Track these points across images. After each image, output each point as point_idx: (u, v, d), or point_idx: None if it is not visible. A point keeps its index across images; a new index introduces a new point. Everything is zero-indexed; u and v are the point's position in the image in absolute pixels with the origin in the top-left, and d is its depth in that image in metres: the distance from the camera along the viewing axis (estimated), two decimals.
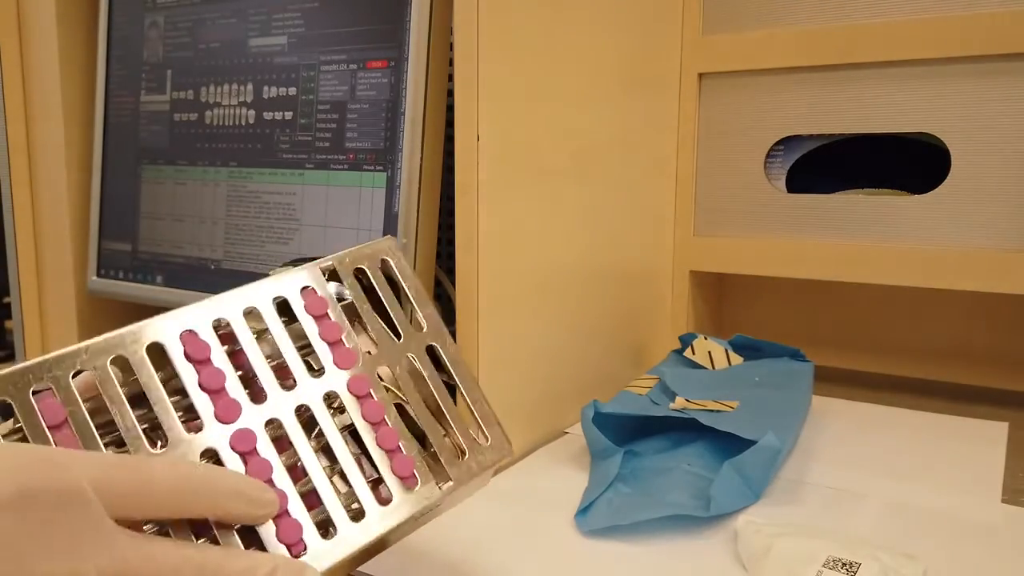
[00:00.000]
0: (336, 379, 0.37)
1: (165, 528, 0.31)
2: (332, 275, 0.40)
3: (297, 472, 0.35)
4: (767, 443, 0.55)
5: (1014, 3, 0.70)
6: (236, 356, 0.36)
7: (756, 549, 0.46)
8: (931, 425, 0.72)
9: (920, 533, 0.51)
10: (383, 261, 0.42)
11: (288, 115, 0.72)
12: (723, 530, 0.51)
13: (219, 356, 0.35)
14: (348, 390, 0.37)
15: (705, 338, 0.77)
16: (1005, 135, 0.72)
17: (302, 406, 0.36)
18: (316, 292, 0.39)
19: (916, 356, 0.87)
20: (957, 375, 0.85)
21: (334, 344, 0.38)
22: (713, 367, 0.74)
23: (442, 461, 0.38)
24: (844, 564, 0.44)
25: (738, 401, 0.64)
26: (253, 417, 0.35)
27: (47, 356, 0.32)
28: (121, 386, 0.33)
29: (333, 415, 0.37)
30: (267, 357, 0.37)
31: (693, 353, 0.75)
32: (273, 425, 0.35)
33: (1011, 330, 0.83)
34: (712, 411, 0.62)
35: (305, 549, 0.33)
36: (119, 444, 0.32)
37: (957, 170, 0.74)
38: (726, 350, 0.76)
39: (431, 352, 0.41)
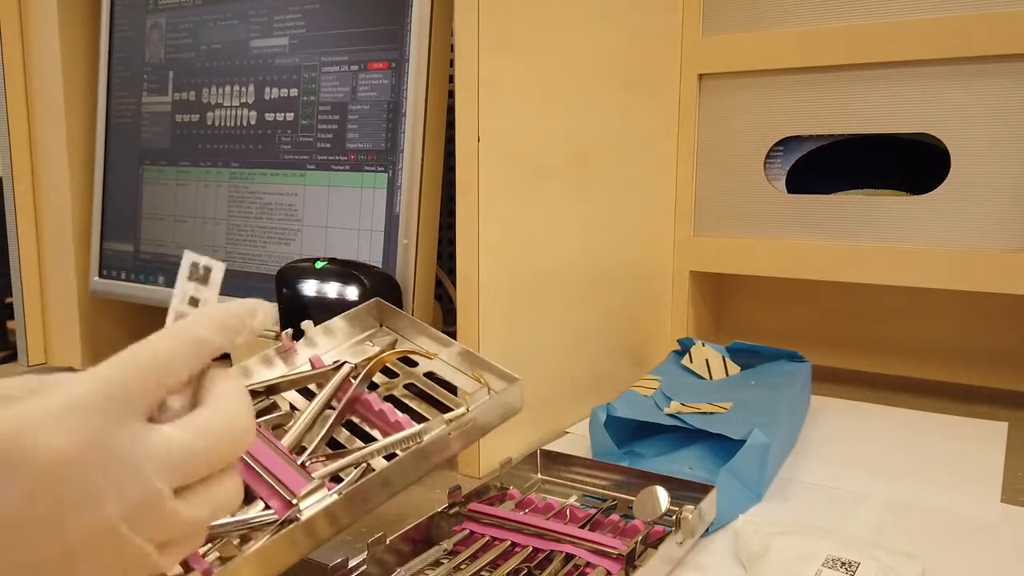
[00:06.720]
0: None
1: None
2: None
3: None
4: (755, 441, 0.55)
5: (1014, 3, 0.70)
6: None
7: (755, 548, 0.47)
8: (931, 425, 0.72)
9: (919, 532, 0.51)
10: None
11: (289, 116, 0.72)
12: (723, 530, 0.51)
13: None
14: None
15: (703, 344, 0.76)
16: (1004, 135, 0.72)
17: None
18: None
19: (916, 356, 0.87)
20: (957, 375, 0.85)
21: None
22: (711, 377, 0.74)
23: None
24: (843, 563, 0.44)
25: (731, 402, 0.64)
26: None
27: None
28: None
29: None
30: None
31: (691, 361, 0.75)
32: None
33: (1010, 330, 0.83)
34: (705, 413, 0.62)
35: None
36: None
37: (956, 170, 0.74)
38: (723, 358, 0.76)
39: None
